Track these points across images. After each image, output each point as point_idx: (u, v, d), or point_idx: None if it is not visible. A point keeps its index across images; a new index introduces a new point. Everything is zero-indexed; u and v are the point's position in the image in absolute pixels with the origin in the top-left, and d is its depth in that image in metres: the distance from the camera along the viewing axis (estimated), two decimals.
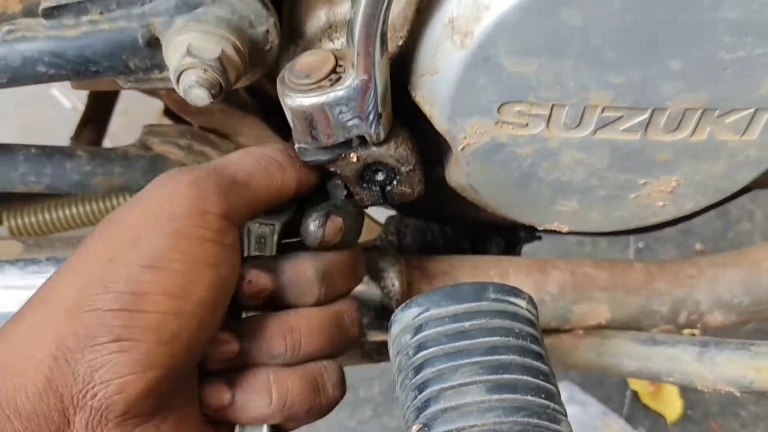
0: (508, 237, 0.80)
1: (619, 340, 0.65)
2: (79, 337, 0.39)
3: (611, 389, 1.29)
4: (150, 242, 0.41)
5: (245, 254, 0.52)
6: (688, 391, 1.34)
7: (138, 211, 0.43)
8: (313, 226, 0.51)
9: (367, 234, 0.85)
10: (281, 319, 0.49)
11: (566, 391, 1.25)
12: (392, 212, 0.83)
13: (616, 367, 0.65)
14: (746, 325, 1.38)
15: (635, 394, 1.35)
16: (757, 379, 0.55)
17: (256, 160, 0.48)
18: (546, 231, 0.65)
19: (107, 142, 0.96)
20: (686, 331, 1.33)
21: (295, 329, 0.49)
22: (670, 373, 0.61)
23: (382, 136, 0.50)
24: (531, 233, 0.80)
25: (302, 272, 0.50)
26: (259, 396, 0.47)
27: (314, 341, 0.49)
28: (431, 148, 0.57)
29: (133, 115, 1.55)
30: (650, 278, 0.69)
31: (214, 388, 0.47)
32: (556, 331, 0.71)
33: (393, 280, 0.65)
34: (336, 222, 0.51)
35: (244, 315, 0.51)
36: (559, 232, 0.59)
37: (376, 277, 0.66)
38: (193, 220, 0.42)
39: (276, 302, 0.50)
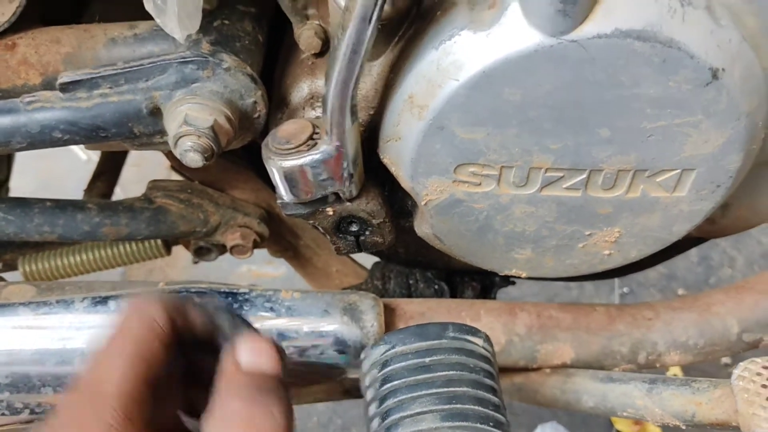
0: (483, 282, 0.86)
1: (579, 378, 0.71)
2: None
3: (596, 429, 1.33)
4: None
5: None
6: (670, 431, 1.37)
7: None
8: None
9: (355, 278, 0.92)
10: None
11: (552, 431, 1.29)
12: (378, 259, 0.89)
13: (577, 403, 0.71)
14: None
15: None
16: (698, 412, 0.60)
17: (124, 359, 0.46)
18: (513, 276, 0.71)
19: (118, 191, 1.04)
20: (673, 370, 1.37)
21: None
22: (623, 408, 0.66)
23: (354, 192, 0.57)
24: (505, 278, 0.86)
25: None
26: None
27: None
28: (403, 201, 0.64)
29: (143, 166, 1.64)
30: (611, 320, 0.75)
31: None
32: (526, 369, 0.76)
33: (371, 321, 0.71)
34: None
35: None
36: (519, 278, 0.65)
37: (356, 318, 0.72)
38: None
39: None
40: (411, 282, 0.88)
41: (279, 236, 0.84)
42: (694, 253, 1.48)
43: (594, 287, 1.44)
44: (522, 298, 1.42)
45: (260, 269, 1.37)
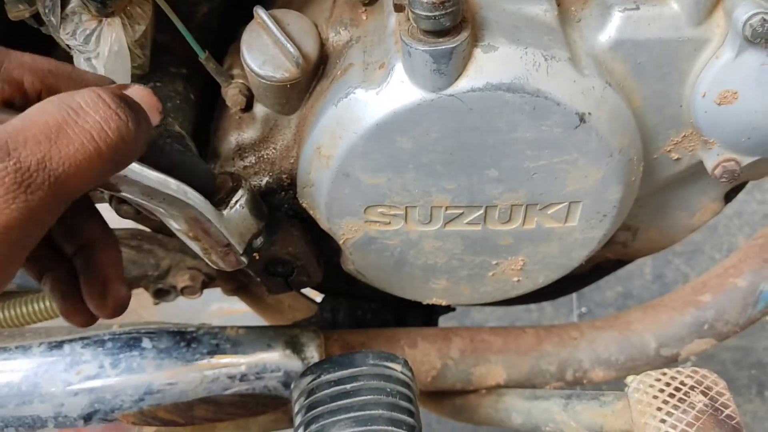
0: (425, 310, 0.91)
1: (509, 397, 0.76)
2: None
3: None
4: None
5: None
6: None
7: None
8: None
9: (306, 312, 0.97)
10: None
11: None
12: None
13: (508, 420, 0.75)
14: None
15: None
16: (605, 424, 0.65)
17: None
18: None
19: None
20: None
21: None
22: (545, 423, 0.71)
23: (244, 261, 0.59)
24: (446, 306, 0.91)
25: None
26: None
27: None
28: (332, 240, 0.69)
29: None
30: (539, 341, 0.80)
31: None
32: (463, 392, 0.81)
33: (312, 352, 0.76)
34: None
35: None
36: (441, 306, 0.71)
37: (299, 350, 0.76)
38: None
39: None
40: (359, 313, 0.93)
41: (230, 276, 0.89)
42: (648, 271, 1.53)
43: (553, 309, 1.49)
44: (486, 322, 1.47)
45: (231, 306, 1.42)
